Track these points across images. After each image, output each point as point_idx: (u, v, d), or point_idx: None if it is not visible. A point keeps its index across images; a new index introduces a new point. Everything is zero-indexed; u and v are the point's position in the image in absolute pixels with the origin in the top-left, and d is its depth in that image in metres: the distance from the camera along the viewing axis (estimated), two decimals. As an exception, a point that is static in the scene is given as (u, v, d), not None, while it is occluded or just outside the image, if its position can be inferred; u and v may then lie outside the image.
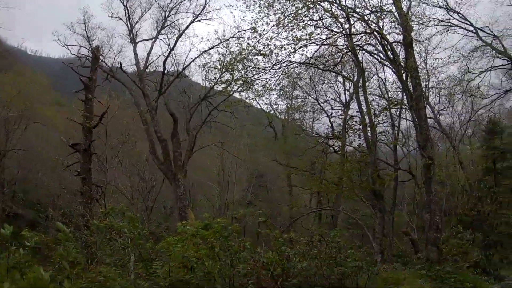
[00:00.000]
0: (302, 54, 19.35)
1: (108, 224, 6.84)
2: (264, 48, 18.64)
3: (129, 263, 7.09)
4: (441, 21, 21.78)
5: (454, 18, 21.77)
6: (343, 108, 34.57)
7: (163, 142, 23.51)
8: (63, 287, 4.50)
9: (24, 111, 34.67)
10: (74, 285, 4.97)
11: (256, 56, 19.37)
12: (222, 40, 23.69)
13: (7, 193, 34.72)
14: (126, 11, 25.94)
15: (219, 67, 22.21)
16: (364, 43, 19.75)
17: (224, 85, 23.05)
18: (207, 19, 25.34)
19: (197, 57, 25.32)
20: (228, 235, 7.37)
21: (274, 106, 38.30)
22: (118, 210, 7.39)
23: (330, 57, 21.66)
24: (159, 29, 26.12)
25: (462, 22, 21.86)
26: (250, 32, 19.42)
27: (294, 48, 18.13)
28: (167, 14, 26.07)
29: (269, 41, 18.38)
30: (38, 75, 43.92)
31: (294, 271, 6.88)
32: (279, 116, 38.89)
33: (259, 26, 18.52)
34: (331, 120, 34.45)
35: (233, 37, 23.10)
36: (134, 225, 6.85)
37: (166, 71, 25.17)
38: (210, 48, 24.40)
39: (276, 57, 19.06)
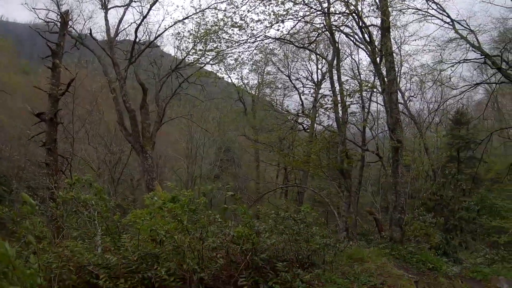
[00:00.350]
0: (278, 30, 19.25)
1: (74, 196, 6.62)
2: (240, 20, 18.39)
3: (95, 236, 6.95)
4: (419, 9, 21.91)
5: (432, 8, 21.93)
6: (314, 87, 34.74)
7: (131, 113, 22.95)
8: (29, 262, 4.32)
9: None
10: (40, 260, 4.79)
11: (232, 29, 19.10)
12: (198, 10, 23.13)
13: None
14: (98, -26, 24.96)
15: (192, 37, 21.77)
16: (341, 24, 19.73)
17: (196, 56, 22.64)
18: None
19: (171, 26, 24.68)
20: (195, 208, 7.33)
21: (245, 81, 38.12)
22: (85, 181, 7.16)
23: (305, 35, 21.57)
24: (133, -4, 25.30)
25: (440, 13, 22.02)
26: (227, 4, 19.13)
27: (270, 23, 17.93)
28: (141, -20, 25.21)
29: (246, 14, 18.15)
30: (2, 41, 42.03)
31: (264, 246, 6.90)
32: (250, 91, 38.73)
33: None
34: (302, 98, 34.61)
35: (209, 7, 22.62)
36: (101, 197, 6.67)
37: (137, 39, 24.47)
38: (185, 18, 23.74)
39: (252, 30, 18.87)
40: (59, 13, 24.02)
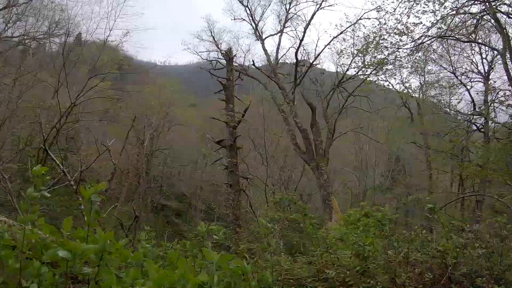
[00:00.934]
0: (439, 28, 18.48)
1: (283, 216, 7.43)
2: (397, 24, 18.28)
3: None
4: None
5: None
6: (482, 79, 31.72)
7: (303, 132, 23.95)
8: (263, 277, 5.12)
9: (165, 115, 39.79)
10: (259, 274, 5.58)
11: (392, 35, 19.09)
12: (352, 23, 23.53)
13: (154, 187, 39.82)
14: (248, 11, 27.48)
15: (355, 51, 22.27)
16: (498, 4, 18.00)
17: (362, 68, 23.09)
18: (330, 5, 25.32)
19: (328, 43, 25.47)
20: (389, 224, 7.58)
21: (407, 84, 36.59)
22: (288, 200, 7.95)
23: (462, 25, 20.14)
24: (282, 23, 26.91)
25: None
26: (376, 11, 19.33)
27: (431, 23, 17.41)
28: (288, 7, 26.92)
29: (402, 17, 17.97)
30: (173, 82, 49.28)
31: (467, 260, 6.78)
32: (413, 95, 37.00)
33: (388, 4, 18.22)
34: (471, 94, 31.82)
35: (361, 18, 22.95)
36: (306, 215, 7.38)
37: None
38: (340, 34, 24.16)
39: (410, 32, 18.54)
40: (220, 51, 26.97)
